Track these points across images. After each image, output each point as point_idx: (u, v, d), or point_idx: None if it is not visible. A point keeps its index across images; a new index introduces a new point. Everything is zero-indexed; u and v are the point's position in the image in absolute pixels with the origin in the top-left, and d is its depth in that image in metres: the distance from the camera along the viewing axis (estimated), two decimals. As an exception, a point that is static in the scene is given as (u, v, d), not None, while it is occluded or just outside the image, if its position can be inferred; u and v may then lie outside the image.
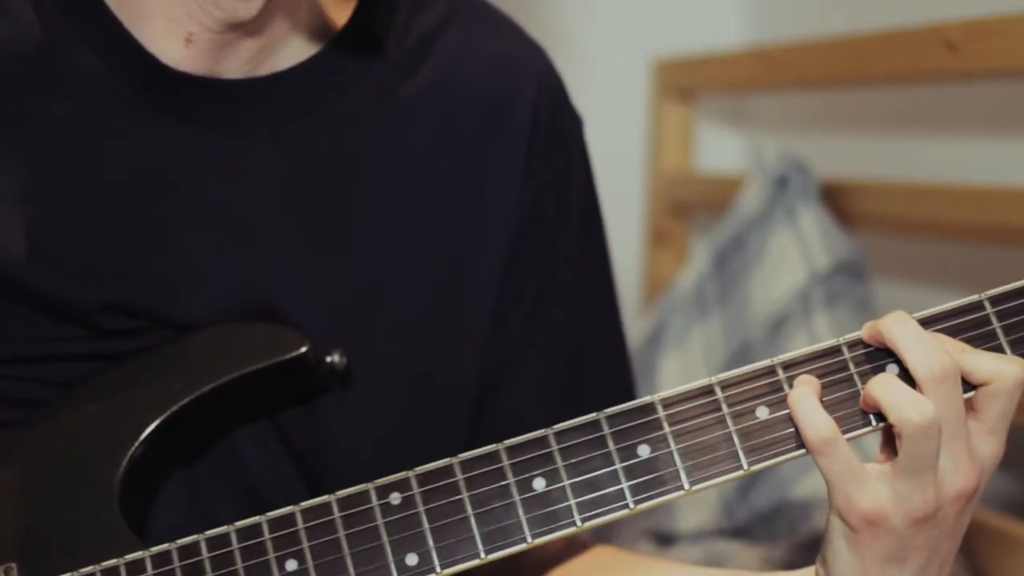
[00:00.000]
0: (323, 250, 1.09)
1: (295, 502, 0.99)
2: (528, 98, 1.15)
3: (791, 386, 0.97)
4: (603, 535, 1.21)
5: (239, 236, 1.08)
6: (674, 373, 2.24)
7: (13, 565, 1.01)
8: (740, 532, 2.06)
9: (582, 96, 1.25)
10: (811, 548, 1.93)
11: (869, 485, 0.95)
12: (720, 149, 2.66)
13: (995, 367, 0.95)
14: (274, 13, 1.07)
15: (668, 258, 2.57)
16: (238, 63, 1.09)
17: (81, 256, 1.06)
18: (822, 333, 2.04)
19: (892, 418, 0.94)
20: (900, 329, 0.96)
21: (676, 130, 2.59)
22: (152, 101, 1.07)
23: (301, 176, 1.09)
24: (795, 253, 2.11)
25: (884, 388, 0.95)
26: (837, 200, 2.15)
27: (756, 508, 2.02)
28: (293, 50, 1.11)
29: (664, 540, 2.08)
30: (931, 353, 0.95)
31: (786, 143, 2.38)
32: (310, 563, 0.97)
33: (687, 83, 2.57)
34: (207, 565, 0.98)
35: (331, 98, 1.11)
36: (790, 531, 1.98)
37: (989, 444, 0.96)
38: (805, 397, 0.96)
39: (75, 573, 1.00)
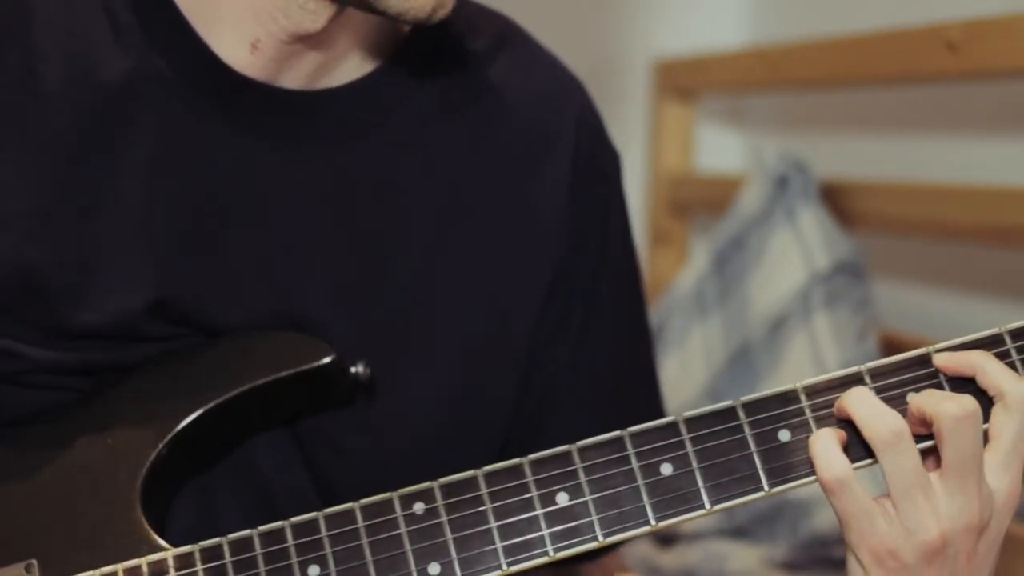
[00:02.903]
0: (363, 266, 1.11)
1: (307, 512, 0.99)
2: (570, 131, 1.17)
3: (813, 411, 0.99)
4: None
5: (281, 244, 1.09)
6: (674, 373, 2.24)
7: (34, 562, 1.01)
8: (740, 532, 2.06)
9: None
10: (811, 548, 1.94)
11: (880, 523, 0.96)
12: (720, 149, 2.66)
13: (1012, 382, 0.97)
14: (339, 29, 1.09)
15: (668, 258, 2.58)
16: (298, 75, 1.10)
17: (132, 253, 1.06)
18: (822, 333, 2.04)
19: (929, 410, 0.95)
20: (925, 397, 0.98)
21: (676, 130, 2.60)
22: (212, 103, 1.08)
23: (347, 191, 1.10)
24: (795, 253, 2.11)
25: (925, 396, 0.98)
26: (837, 200, 2.15)
27: (756, 508, 2.03)
28: (349, 68, 1.12)
29: (664, 540, 2.08)
30: (949, 399, 0.96)
31: (786, 143, 2.38)
32: (332, 569, 0.97)
33: (687, 83, 2.57)
34: (230, 568, 0.98)
35: (382, 118, 1.12)
36: (790, 531, 1.98)
37: (1001, 477, 0.97)
38: (824, 438, 0.97)
39: (96, 571, 1.00)
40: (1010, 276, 2.02)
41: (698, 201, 2.56)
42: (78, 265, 1.05)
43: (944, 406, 0.95)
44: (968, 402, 0.95)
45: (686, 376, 2.24)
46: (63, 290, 1.05)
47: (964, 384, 0.99)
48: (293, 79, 1.10)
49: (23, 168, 1.06)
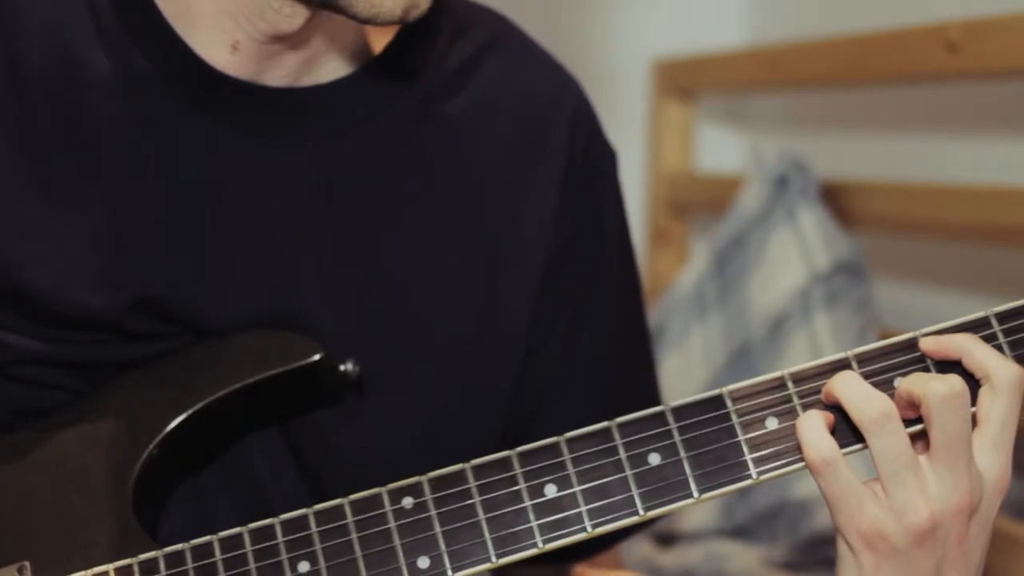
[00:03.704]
0: (354, 263, 1.11)
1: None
2: (564, 128, 1.17)
3: (800, 397, 0.99)
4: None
5: (272, 243, 1.09)
6: (674, 373, 2.24)
7: (26, 564, 1.02)
8: (740, 532, 2.06)
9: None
10: (811, 548, 1.94)
11: (868, 505, 0.96)
12: (720, 149, 2.66)
13: (997, 363, 0.97)
14: (316, 29, 1.09)
15: (668, 258, 2.58)
16: (281, 73, 1.11)
17: (118, 250, 1.07)
18: (822, 333, 2.04)
19: (917, 391, 0.95)
20: (912, 379, 0.98)
21: (676, 130, 2.60)
22: (199, 104, 1.09)
23: (337, 188, 1.11)
24: (795, 253, 2.11)
25: (913, 378, 0.97)
26: (837, 200, 2.15)
27: (756, 508, 2.02)
28: (336, 65, 1.12)
29: (664, 540, 2.08)
30: (937, 380, 0.96)
31: (786, 143, 2.38)
32: (322, 565, 0.98)
33: (687, 83, 2.57)
34: (220, 566, 0.98)
35: (371, 115, 1.12)
36: (790, 531, 1.98)
37: (990, 459, 0.97)
38: (811, 419, 0.97)
39: (87, 572, 1.00)
40: (1010, 276, 2.02)
41: (698, 201, 2.56)
42: (61, 260, 1.06)
43: (932, 386, 0.95)
44: (956, 381, 0.95)
45: (686, 376, 2.23)
46: (47, 285, 1.06)
47: (950, 368, 0.99)
48: (277, 77, 1.11)
49: (4, 163, 1.06)
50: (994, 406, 0.97)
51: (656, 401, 1.25)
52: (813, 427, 0.97)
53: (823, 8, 2.46)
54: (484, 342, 1.14)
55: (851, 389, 0.97)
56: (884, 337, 2.11)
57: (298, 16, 1.06)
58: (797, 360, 2.03)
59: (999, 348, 0.99)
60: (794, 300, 2.09)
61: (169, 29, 1.09)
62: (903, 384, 0.97)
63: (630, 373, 1.24)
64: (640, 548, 2.03)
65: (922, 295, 2.20)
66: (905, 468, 0.95)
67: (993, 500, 0.97)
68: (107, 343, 1.08)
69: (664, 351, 2.27)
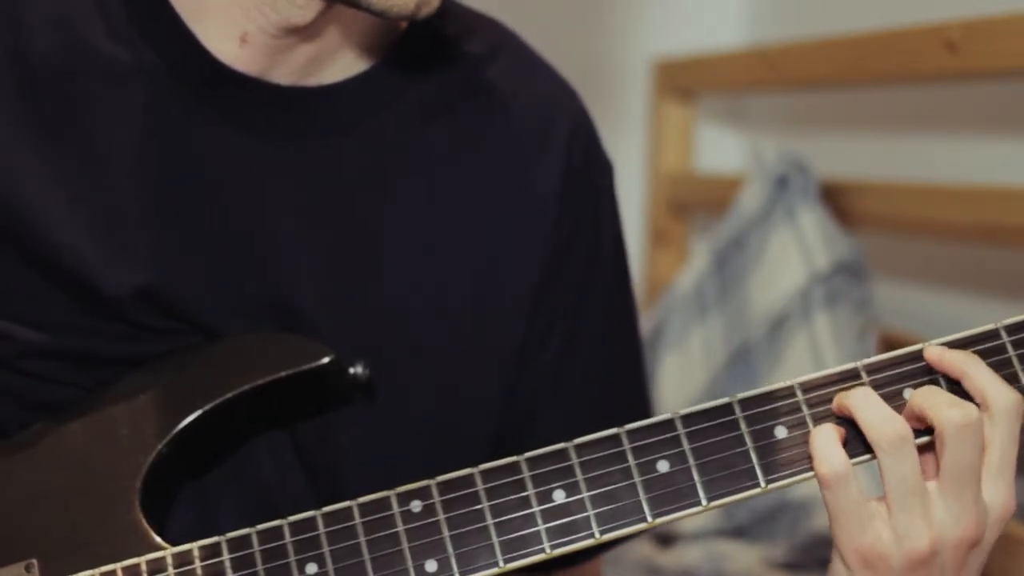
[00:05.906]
0: (353, 265, 1.11)
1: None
2: (563, 137, 1.18)
3: (810, 407, 0.99)
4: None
5: (270, 241, 1.09)
6: (674, 373, 2.25)
7: (34, 562, 1.02)
8: (740, 532, 2.06)
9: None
10: (811, 548, 1.94)
11: (871, 524, 0.96)
12: (720, 149, 2.66)
13: (996, 389, 0.96)
14: (328, 23, 1.09)
15: (668, 258, 2.58)
16: (289, 69, 1.10)
17: (120, 240, 1.07)
18: (822, 333, 2.04)
19: (933, 416, 0.95)
20: (927, 399, 0.97)
21: (676, 130, 2.60)
22: (204, 97, 1.08)
23: (338, 188, 1.11)
24: (795, 253, 2.11)
25: (928, 398, 0.97)
26: (837, 200, 2.15)
27: (756, 508, 2.03)
28: (343, 65, 1.12)
29: (664, 540, 2.08)
30: (954, 407, 0.96)
31: (786, 143, 2.38)
32: (330, 567, 0.98)
33: (687, 83, 2.58)
34: (228, 566, 0.98)
35: (374, 116, 1.12)
36: (790, 531, 1.98)
37: (994, 489, 0.96)
38: (825, 432, 0.97)
39: (95, 570, 1.00)
40: (1010, 276, 2.02)
41: (698, 201, 2.56)
42: (65, 248, 1.06)
43: (948, 414, 0.94)
44: (971, 411, 0.94)
45: (686, 376, 2.24)
46: (53, 270, 1.06)
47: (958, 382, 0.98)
48: (284, 74, 1.10)
49: (11, 152, 1.06)
50: (993, 435, 0.96)
51: (645, 408, 1.26)
52: (826, 441, 0.96)
53: (823, 8, 2.47)
54: (482, 343, 1.14)
55: (868, 408, 0.96)
56: (884, 337, 2.12)
57: (311, 8, 1.06)
58: (797, 360, 2.03)
59: (1008, 361, 0.99)
60: (794, 300, 2.09)
61: (178, 21, 1.09)
62: (916, 400, 0.97)
63: (621, 383, 1.24)
64: (640, 548, 2.03)
65: (922, 295, 2.20)
66: (912, 492, 0.95)
67: (996, 530, 0.97)
68: (112, 337, 1.08)
69: (664, 351, 2.27)
